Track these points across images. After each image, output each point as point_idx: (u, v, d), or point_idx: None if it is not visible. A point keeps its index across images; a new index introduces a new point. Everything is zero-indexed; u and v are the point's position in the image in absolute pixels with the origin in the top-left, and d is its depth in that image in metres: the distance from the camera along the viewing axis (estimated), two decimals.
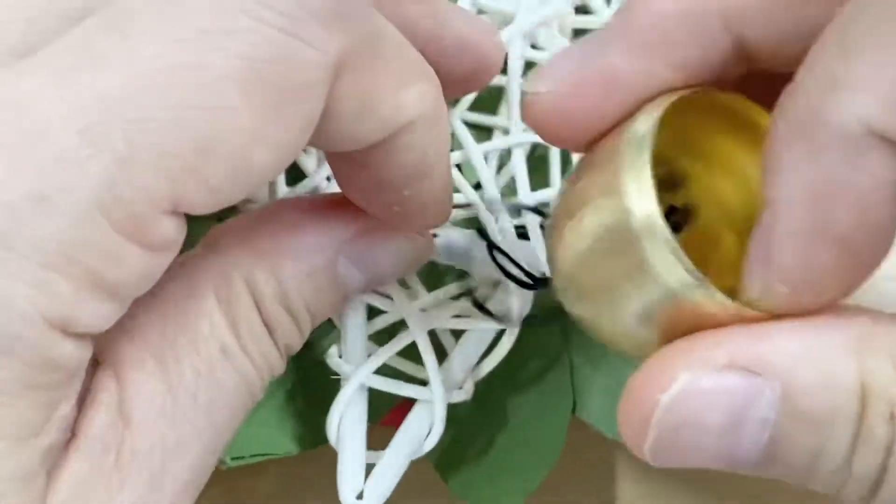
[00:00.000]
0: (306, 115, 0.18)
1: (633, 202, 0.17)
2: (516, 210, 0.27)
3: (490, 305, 0.27)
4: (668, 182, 0.20)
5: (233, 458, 0.25)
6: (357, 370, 0.25)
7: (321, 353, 0.26)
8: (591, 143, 0.20)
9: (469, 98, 0.30)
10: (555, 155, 0.28)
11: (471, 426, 0.28)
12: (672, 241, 0.17)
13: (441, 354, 0.26)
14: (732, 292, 0.18)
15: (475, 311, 0.27)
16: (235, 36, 0.17)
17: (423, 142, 0.20)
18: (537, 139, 0.28)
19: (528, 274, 0.25)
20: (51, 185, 0.16)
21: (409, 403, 0.26)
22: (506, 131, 0.29)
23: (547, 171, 0.28)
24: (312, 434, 0.27)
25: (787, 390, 0.17)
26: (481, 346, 0.27)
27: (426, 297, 0.27)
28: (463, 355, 0.27)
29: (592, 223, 0.18)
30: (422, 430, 0.26)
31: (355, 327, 0.26)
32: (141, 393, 0.19)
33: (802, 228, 0.17)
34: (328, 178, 0.28)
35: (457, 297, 0.27)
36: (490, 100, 0.30)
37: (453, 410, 0.26)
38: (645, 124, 0.18)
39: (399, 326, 0.26)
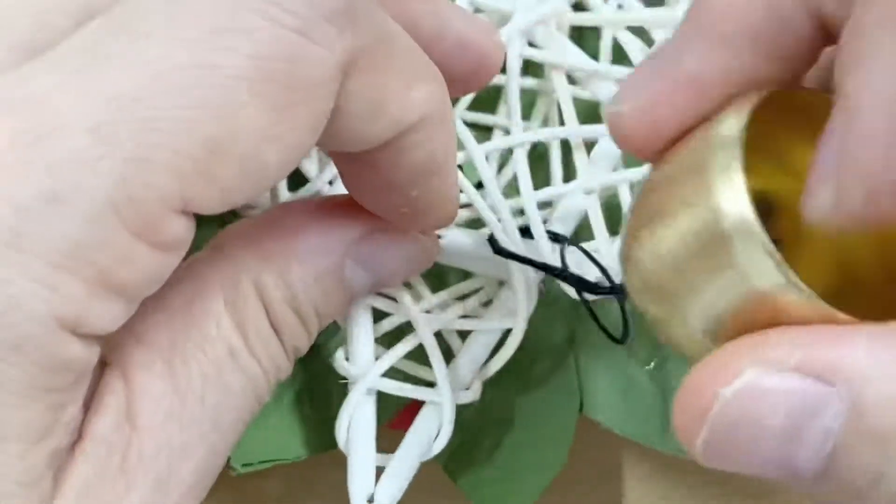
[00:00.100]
0: (316, 114, 0.18)
1: (726, 203, 0.17)
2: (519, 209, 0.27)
3: (495, 305, 0.27)
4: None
5: (242, 465, 0.25)
6: (365, 374, 0.25)
7: (327, 356, 0.26)
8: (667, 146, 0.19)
9: (468, 97, 0.30)
10: (555, 154, 0.28)
11: (479, 427, 0.28)
12: (768, 242, 0.16)
13: (447, 355, 0.26)
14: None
15: (481, 310, 0.27)
16: (246, 35, 0.17)
17: (431, 141, 0.21)
18: (538, 138, 0.28)
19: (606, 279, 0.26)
20: (63, 184, 0.16)
21: (416, 404, 0.26)
22: (506, 130, 0.29)
23: (547, 169, 0.28)
24: (321, 438, 0.27)
25: (857, 403, 0.16)
26: (488, 346, 0.27)
27: (431, 299, 0.26)
28: (470, 356, 0.26)
29: (678, 225, 0.18)
30: (431, 433, 0.25)
31: (362, 330, 0.26)
32: (148, 395, 0.19)
33: (889, 125, 0.15)
34: (330, 182, 0.28)
35: (462, 298, 0.27)
36: (489, 99, 0.30)
37: (461, 411, 0.26)
38: (733, 124, 0.17)
39: (405, 328, 0.26)
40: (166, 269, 0.18)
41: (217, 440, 0.20)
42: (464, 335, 0.27)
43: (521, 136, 0.28)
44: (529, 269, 0.26)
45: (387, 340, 0.26)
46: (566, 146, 0.28)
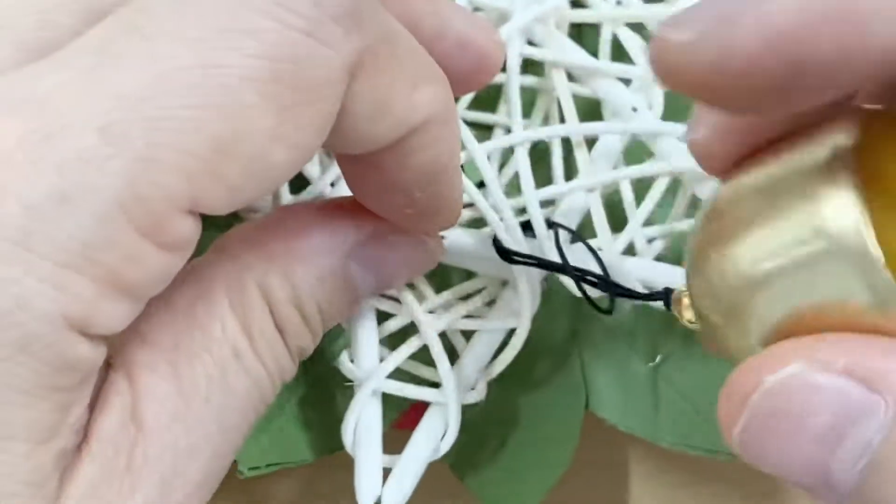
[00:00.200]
0: (323, 115, 0.18)
1: (834, 216, 0.16)
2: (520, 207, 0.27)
3: (498, 305, 0.27)
4: None
5: (249, 469, 0.25)
6: (370, 375, 0.25)
7: (332, 358, 0.26)
8: (746, 155, 0.18)
9: (468, 96, 0.30)
10: (556, 152, 0.28)
11: (485, 426, 0.27)
12: (881, 256, 0.15)
13: (451, 355, 0.26)
14: None
15: (485, 310, 0.27)
16: (254, 36, 0.17)
17: (436, 142, 0.20)
18: (540, 136, 0.28)
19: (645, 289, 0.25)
20: (72, 184, 0.16)
21: (421, 404, 0.26)
22: (507, 129, 0.29)
23: (549, 168, 0.28)
24: (327, 441, 0.27)
25: None
26: (492, 346, 0.27)
27: (435, 299, 0.26)
28: (474, 356, 0.26)
29: (773, 235, 0.17)
30: (437, 433, 0.25)
31: (366, 332, 0.26)
32: (153, 396, 0.19)
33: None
34: (332, 184, 0.28)
35: (465, 298, 0.27)
36: (489, 98, 0.30)
37: (466, 411, 0.26)
38: (843, 133, 0.16)
39: (409, 329, 0.26)
40: (172, 269, 0.18)
41: (222, 441, 0.20)
42: (468, 335, 0.27)
43: (522, 134, 0.28)
44: (532, 269, 0.26)
45: (391, 342, 0.26)
46: (567, 144, 0.28)
